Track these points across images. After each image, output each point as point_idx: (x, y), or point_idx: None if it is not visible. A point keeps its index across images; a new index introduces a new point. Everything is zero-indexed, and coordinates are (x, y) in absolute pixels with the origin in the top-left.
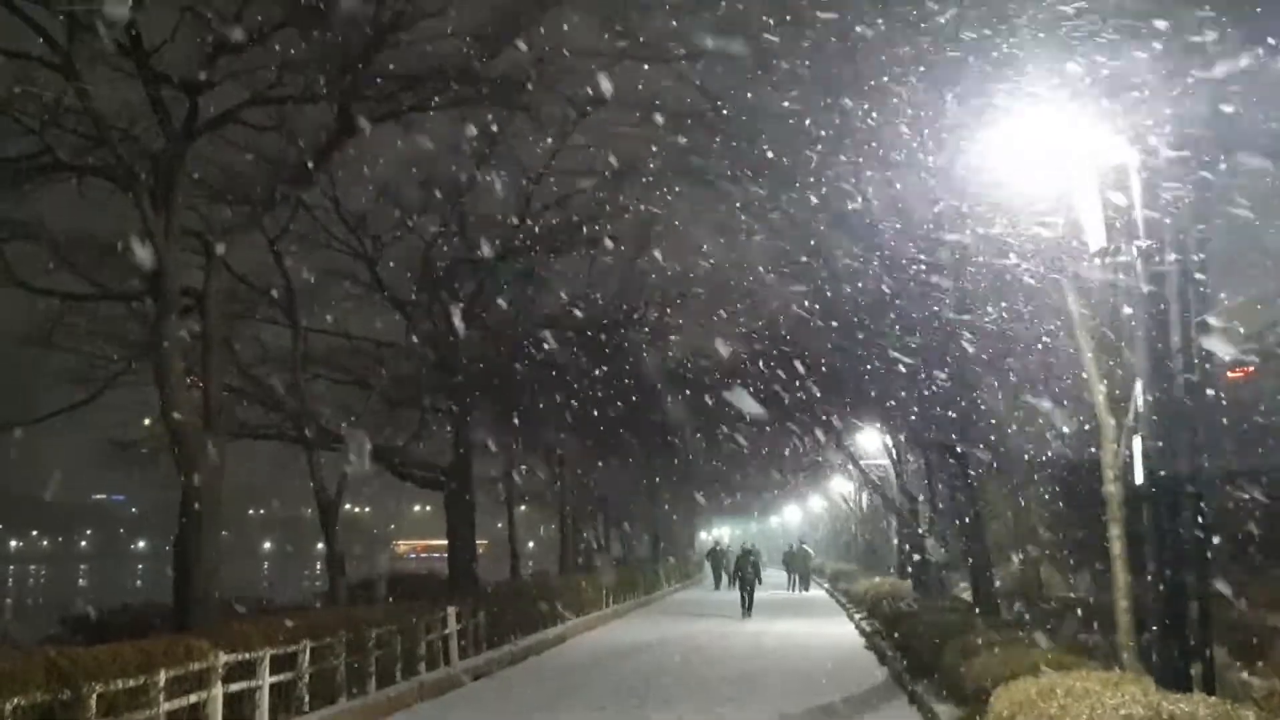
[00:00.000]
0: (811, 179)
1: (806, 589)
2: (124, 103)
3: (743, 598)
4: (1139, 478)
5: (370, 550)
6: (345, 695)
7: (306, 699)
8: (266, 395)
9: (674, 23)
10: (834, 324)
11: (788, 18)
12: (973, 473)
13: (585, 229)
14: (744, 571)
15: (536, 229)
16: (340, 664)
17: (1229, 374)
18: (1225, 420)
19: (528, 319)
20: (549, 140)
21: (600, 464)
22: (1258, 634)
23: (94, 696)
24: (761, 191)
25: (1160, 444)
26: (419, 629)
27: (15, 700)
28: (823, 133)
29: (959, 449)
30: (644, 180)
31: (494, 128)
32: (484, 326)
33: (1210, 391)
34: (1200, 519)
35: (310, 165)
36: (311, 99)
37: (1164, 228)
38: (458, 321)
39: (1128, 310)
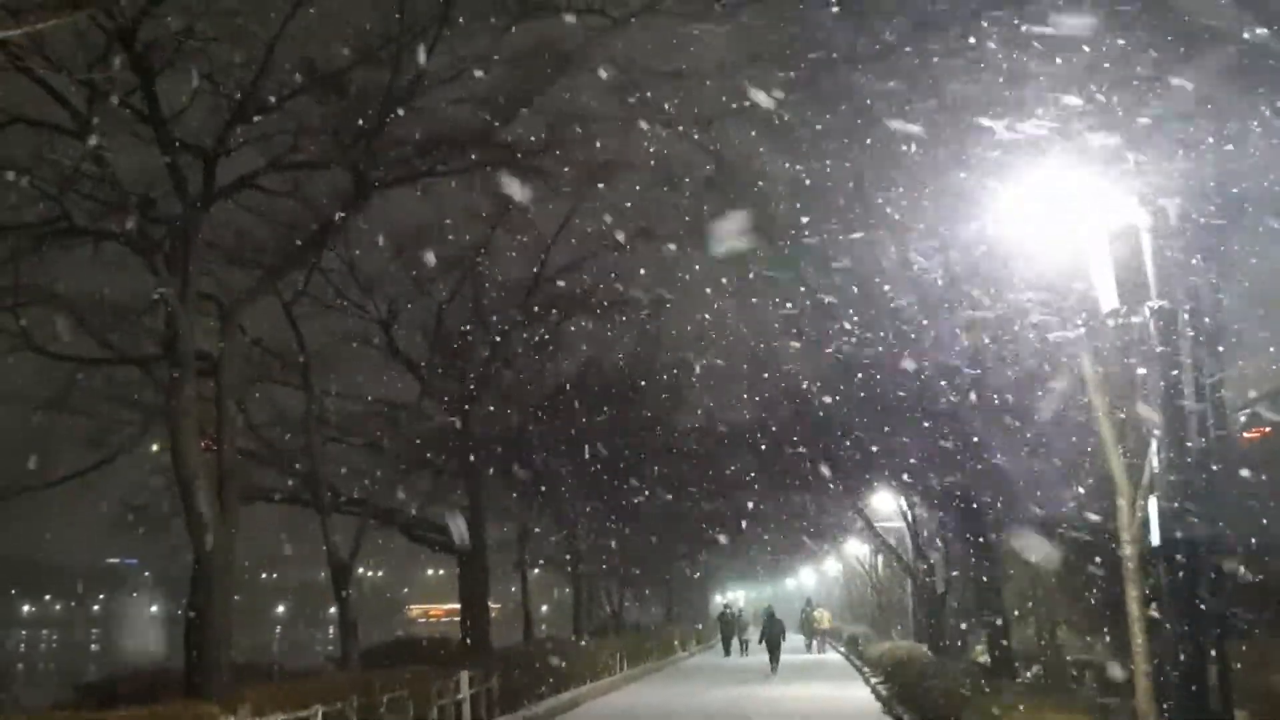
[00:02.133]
0: (825, 244)
1: (821, 650)
2: (141, 168)
3: (771, 656)
4: (1155, 539)
5: (383, 615)
6: None
7: None
8: (280, 458)
9: (687, 91)
10: (848, 387)
11: (798, 84)
12: (988, 535)
13: (599, 294)
14: (770, 632)
15: (551, 293)
16: None
17: (1245, 435)
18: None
19: (542, 383)
20: (563, 205)
21: (614, 528)
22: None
23: None
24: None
25: (1176, 505)
26: (431, 694)
27: None
28: (835, 199)
29: (974, 511)
30: (658, 246)
31: (507, 194)
32: (498, 390)
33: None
34: (1218, 581)
35: (325, 230)
36: (326, 165)
37: (1176, 288)
38: (472, 385)
39: (1142, 371)
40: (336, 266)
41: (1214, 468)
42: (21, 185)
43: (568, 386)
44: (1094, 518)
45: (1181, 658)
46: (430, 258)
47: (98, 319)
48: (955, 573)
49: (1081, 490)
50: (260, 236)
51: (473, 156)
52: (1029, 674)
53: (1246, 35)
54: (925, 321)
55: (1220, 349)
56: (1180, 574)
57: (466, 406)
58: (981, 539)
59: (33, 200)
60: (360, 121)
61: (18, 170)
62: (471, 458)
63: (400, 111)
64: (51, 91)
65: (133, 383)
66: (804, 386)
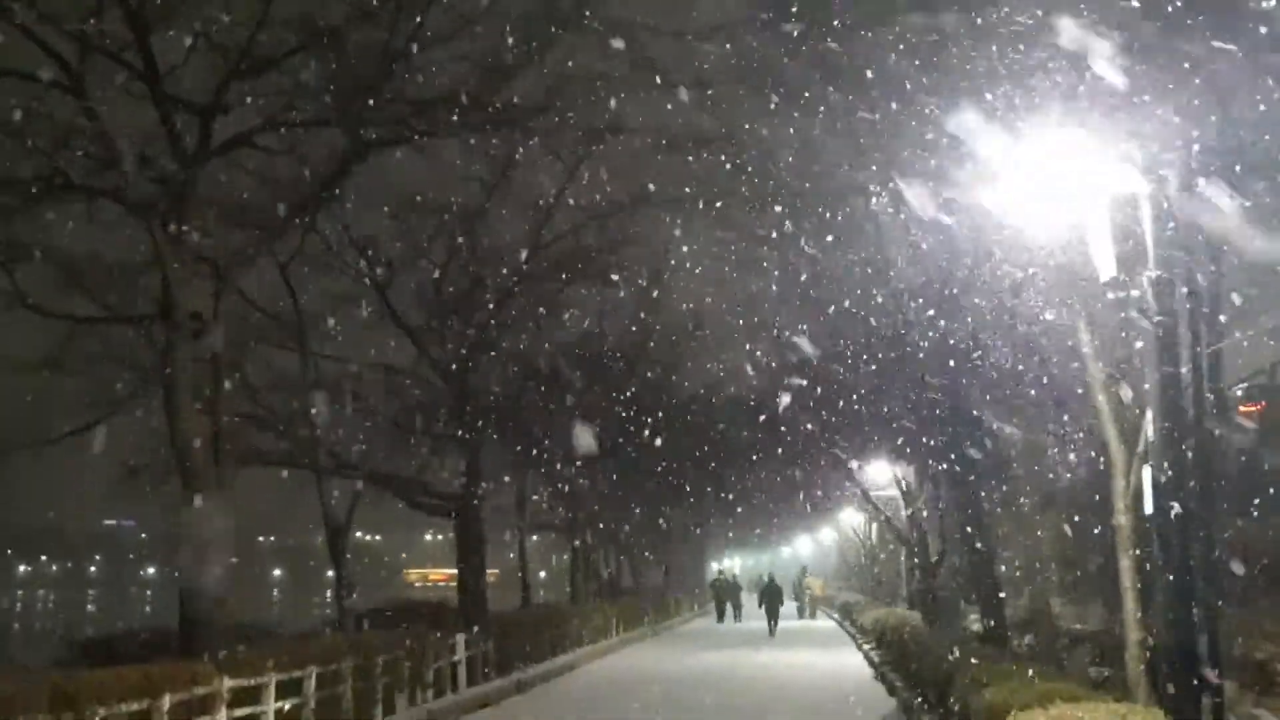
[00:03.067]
0: (825, 211)
1: (813, 616)
2: (136, 126)
3: (770, 620)
4: (1149, 508)
5: (380, 578)
6: None
7: None
8: (276, 421)
9: (688, 50)
10: (847, 356)
11: (802, 48)
12: (982, 504)
13: (598, 258)
14: (769, 598)
15: (548, 258)
16: (347, 690)
17: (1241, 408)
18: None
19: (539, 348)
20: (563, 169)
21: (612, 494)
22: (1268, 666)
23: None
24: (775, 223)
25: (1170, 475)
26: (427, 656)
27: None
28: (838, 165)
29: (969, 480)
30: (657, 210)
31: (506, 156)
32: (496, 354)
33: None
34: (1211, 549)
35: (321, 190)
36: (323, 124)
37: (1175, 258)
38: (468, 349)
39: (1139, 343)
40: (333, 229)
41: (1209, 438)
42: (14, 141)
43: (567, 352)
44: (1089, 487)
45: (1172, 627)
46: (427, 220)
47: (93, 278)
48: (949, 542)
49: (1075, 459)
50: (256, 197)
51: (471, 117)
52: (1022, 642)
53: (1252, 3)
54: (923, 287)
55: (1219, 320)
56: (1173, 543)
57: (464, 371)
58: (976, 508)
59: (26, 156)
60: (358, 80)
61: (10, 125)
62: (469, 422)
63: (398, 70)
64: (42, 45)
65: (129, 343)
66: (803, 355)
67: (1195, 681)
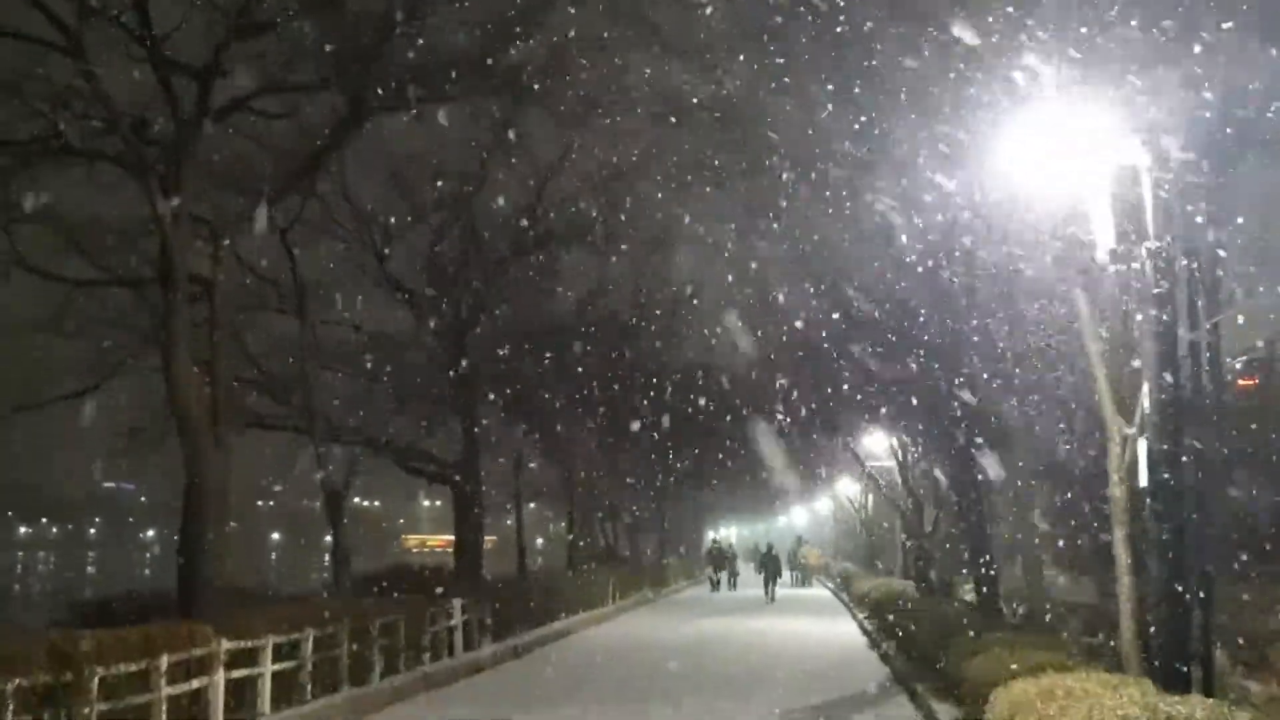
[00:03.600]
0: (825, 181)
1: (809, 585)
2: (135, 88)
3: (767, 587)
4: (1143, 480)
5: (380, 544)
6: (348, 684)
7: (309, 687)
8: (275, 386)
9: (688, 16)
10: (845, 327)
11: (806, 16)
12: (978, 475)
13: (597, 228)
14: (767, 568)
15: (547, 226)
16: (343, 653)
17: (1240, 381)
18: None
19: (538, 316)
20: (562, 137)
21: (610, 462)
22: (1259, 639)
23: (95, 679)
24: (774, 192)
25: (1165, 447)
26: (424, 620)
27: (17, 681)
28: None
29: (964, 451)
30: (657, 180)
31: (506, 122)
32: (494, 322)
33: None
34: (1204, 522)
35: (320, 155)
36: (323, 88)
37: (1175, 231)
38: (467, 316)
39: (1139, 317)
40: (332, 194)
41: (1205, 411)
42: (13, 102)
43: (565, 320)
44: (1084, 460)
45: (1164, 598)
46: (426, 187)
47: (92, 241)
48: (944, 513)
49: (1067, 430)
50: (255, 162)
51: (471, 82)
52: (1015, 613)
53: None
54: (922, 258)
55: (1218, 293)
56: (1166, 515)
57: (462, 337)
58: (971, 480)
59: (25, 118)
60: (357, 44)
61: (8, 87)
62: (466, 389)
63: (398, 34)
64: (40, 6)
65: (127, 306)
66: (801, 324)
67: (1185, 653)
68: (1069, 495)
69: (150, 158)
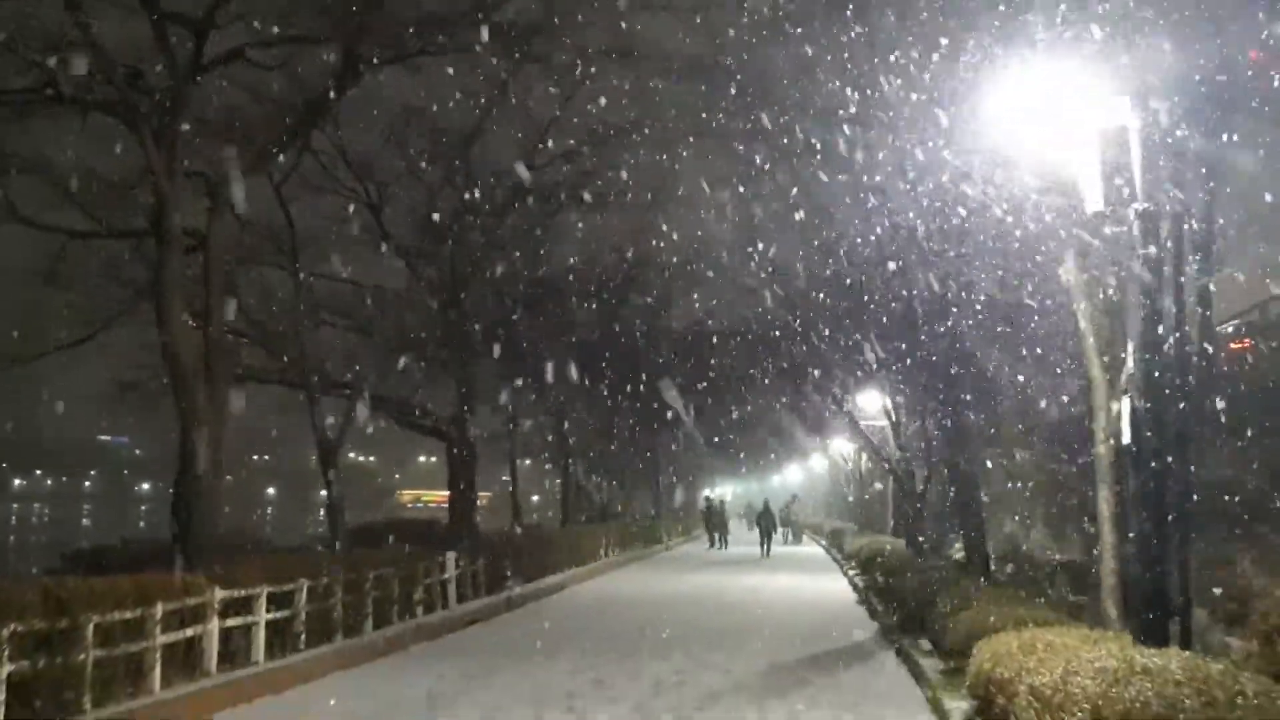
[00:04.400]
0: (818, 139)
1: (799, 541)
2: (129, 38)
3: (763, 543)
4: (1126, 439)
5: (375, 499)
6: (341, 634)
7: (302, 637)
8: (269, 340)
9: None
10: (839, 285)
11: None
12: (969, 435)
13: (593, 184)
14: (763, 524)
15: (544, 182)
16: (337, 604)
17: (1231, 345)
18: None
19: (533, 273)
20: (558, 92)
21: (604, 419)
22: (1240, 597)
23: (91, 626)
24: (770, 152)
25: (1148, 406)
26: (418, 573)
27: (13, 627)
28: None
29: (956, 412)
30: (654, 136)
31: (503, 76)
32: (490, 278)
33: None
34: (1185, 480)
35: (315, 108)
36: (318, 40)
37: (1164, 192)
38: (462, 272)
39: (1126, 276)
40: (327, 148)
41: (1188, 372)
42: (6, 52)
43: (561, 277)
44: (1072, 420)
45: (1144, 555)
46: (422, 141)
47: (86, 193)
48: (935, 472)
49: (1055, 389)
50: (250, 115)
51: (468, 36)
52: (1003, 571)
53: None
54: (914, 219)
55: (1210, 254)
56: (1148, 473)
57: (457, 293)
58: (962, 439)
59: (18, 69)
60: None
61: (1, 36)
62: (461, 344)
63: None
64: None
65: (122, 258)
66: (796, 284)
67: (1164, 608)
68: (1057, 454)
69: (145, 109)
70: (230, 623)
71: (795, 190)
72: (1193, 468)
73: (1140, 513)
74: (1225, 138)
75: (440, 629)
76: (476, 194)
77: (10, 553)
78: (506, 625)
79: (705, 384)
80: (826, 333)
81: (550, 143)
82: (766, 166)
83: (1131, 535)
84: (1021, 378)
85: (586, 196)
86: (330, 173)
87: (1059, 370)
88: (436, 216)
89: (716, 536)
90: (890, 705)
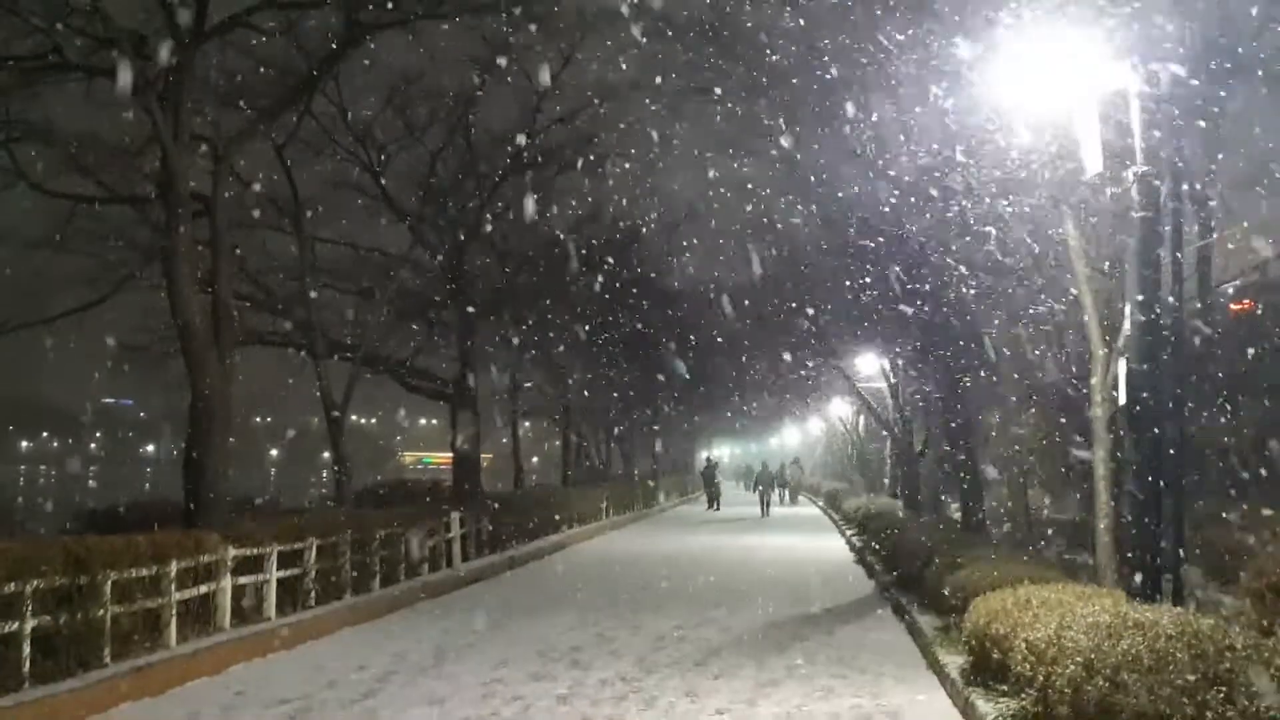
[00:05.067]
0: (819, 101)
1: (795, 502)
2: (133, 3)
3: (762, 502)
4: (1122, 399)
5: (378, 461)
6: (350, 592)
7: (312, 594)
8: (274, 303)
9: None
10: (837, 248)
11: None
12: (966, 397)
13: (592, 146)
14: (762, 484)
15: (542, 144)
16: (345, 562)
17: (1232, 306)
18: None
19: (533, 235)
20: (556, 54)
21: (603, 381)
22: (1233, 554)
23: (109, 583)
24: (768, 112)
25: (1144, 367)
26: (423, 532)
27: (35, 583)
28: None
29: (955, 373)
30: (651, 98)
31: (501, 38)
32: (490, 241)
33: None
34: (1179, 440)
35: (317, 72)
36: (319, 3)
37: (1162, 155)
38: (463, 235)
39: (1126, 239)
40: (328, 112)
41: (1184, 332)
42: (11, 18)
43: (561, 238)
44: (1070, 381)
45: (1138, 513)
46: (423, 106)
47: (92, 158)
48: (932, 433)
49: (1054, 351)
50: (253, 79)
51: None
52: (1001, 531)
53: None
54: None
55: (1209, 217)
56: (1142, 433)
57: (458, 256)
58: (960, 400)
59: (23, 34)
60: None
61: (6, 2)
62: (462, 307)
63: None
64: None
65: (129, 222)
66: (794, 246)
67: (1157, 566)
68: (1056, 414)
69: (149, 74)
70: (242, 580)
71: (795, 151)
72: (1188, 428)
73: (1134, 472)
74: (1225, 100)
75: (445, 587)
76: (476, 156)
77: (20, 513)
78: (510, 583)
79: (704, 345)
80: (826, 291)
81: (548, 104)
82: (767, 123)
83: (1126, 494)
84: (1019, 335)
85: (586, 156)
86: (332, 137)
87: (1053, 330)
88: (436, 180)
89: (716, 497)
90: (887, 661)
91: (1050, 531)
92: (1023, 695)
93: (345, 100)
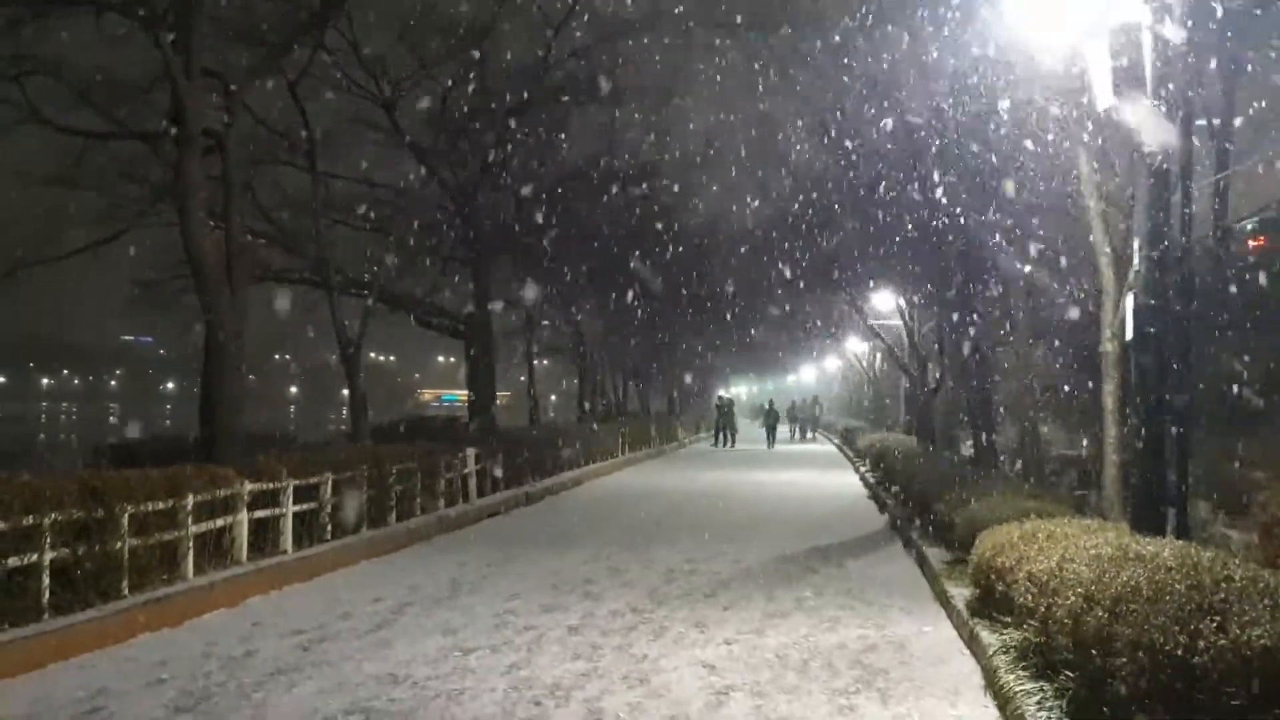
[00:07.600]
0: (836, 36)
1: (808, 437)
2: None
3: (768, 436)
4: (1129, 334)
5: (396, 398)
6: (366, 526)
7: (329, 528)
8: (288, 240)
9: None
10: (855, 184)
11: None
12: (982, 333)
13: (607, 79)
14: (769, 421)
15: (558, 79)
16: (361, 496)
17: (1249, 242)
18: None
19: (549, 171)
20: None
21: (620, 317)
22: (1243, 489)
23: (126, 516)
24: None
25: (1153, 302)
26: (438, 467)
27: (54, 516)
28: None
29: (970, 309)
30: (666, 31)
31: None
32: (505, 176)
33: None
34: (1186, 375)
35: (328, 6)
36: None
37: (1173, 88)
38: (477, 170)
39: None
40: (341, 47)
41: (1192, 267)
42: None
43: (576, 174)
44: (1084, 317)
45: (1144, 447)
46: (436, 40)
47: (103, 94)
48: (947, 369)
49: (1066, 285)
50: (265, 13)
51: None
52: (1012, 467)
53: None
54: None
55: (1226, 151)
56: (1150, 368)
57: (472, 192)
58: (975, 336)
59: None
60: None
61: None
62: (477, 243)
63: None
64: None
65: (140, 159)
66: (813, 181)
67: (1162, 499)
68: (1068, 350)
69: (159, 8)
70: (259, 514)
71: (813, 87)
72: (1193, 363)
73: (1140, 406)
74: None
75: (461, 521)
76: (490, 91)
77: (41, 449)
78: (525, 518)
79: (721, 283)
80: (845, 229)
81: (562, 38)
82: (781, 58)
83: (1133, 428)
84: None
85: (603, 88)
86: (344, 72)
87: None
88: (451, 115)
89: (725, 434)
90: (896, 593)
91: (1061, 468)
92: (1025, 626)
93: (356, 33)
